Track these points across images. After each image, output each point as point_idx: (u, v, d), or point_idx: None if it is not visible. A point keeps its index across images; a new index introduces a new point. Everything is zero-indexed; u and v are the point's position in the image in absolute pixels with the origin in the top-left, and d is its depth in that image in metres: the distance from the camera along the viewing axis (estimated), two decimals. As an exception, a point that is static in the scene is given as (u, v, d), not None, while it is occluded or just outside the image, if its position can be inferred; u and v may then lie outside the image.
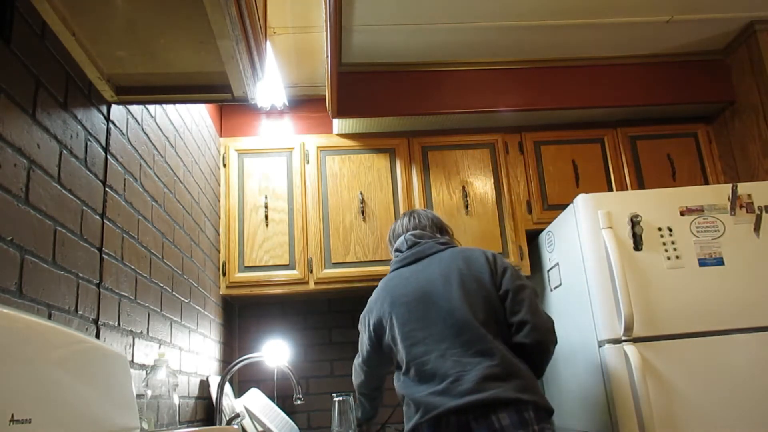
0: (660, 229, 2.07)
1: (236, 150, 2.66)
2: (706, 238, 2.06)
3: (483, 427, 1.45)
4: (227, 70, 1.29)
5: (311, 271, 2.52)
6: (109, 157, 1.36)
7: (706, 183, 2.71)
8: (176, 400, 1.69)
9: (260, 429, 2.12)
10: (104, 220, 1.31)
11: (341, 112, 2.59)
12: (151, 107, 1.68)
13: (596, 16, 2.42)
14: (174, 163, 1.88)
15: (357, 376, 1.97)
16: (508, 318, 1.65)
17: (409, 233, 1.87)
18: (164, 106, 1.81)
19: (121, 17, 1.15)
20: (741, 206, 2.09)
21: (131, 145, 1.51)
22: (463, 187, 2.67)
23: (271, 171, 2.65)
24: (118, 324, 1.35)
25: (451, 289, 1.66)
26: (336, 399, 2.15)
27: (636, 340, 1.93)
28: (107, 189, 1.34)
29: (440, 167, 2.70)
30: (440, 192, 2.66)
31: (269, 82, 2.45)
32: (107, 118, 1.37)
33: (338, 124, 2.68)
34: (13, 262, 0.95)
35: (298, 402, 1.97)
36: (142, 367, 1.46)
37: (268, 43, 1.69)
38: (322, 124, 2.79)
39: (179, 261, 1.87)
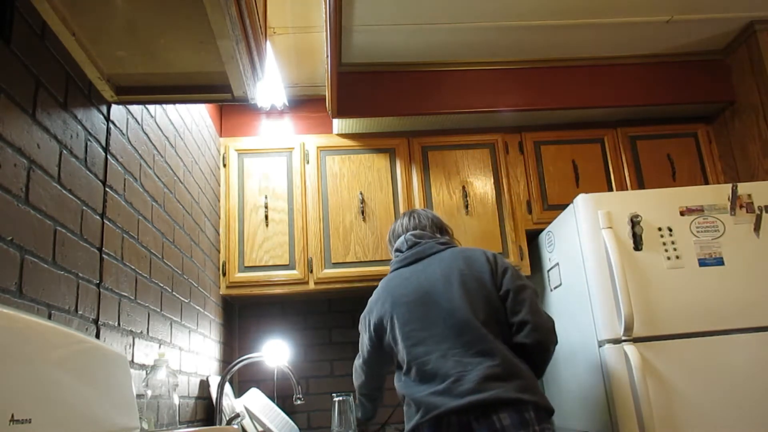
0: (660, 229, 2.07)
1: (236, 150, 2.66)
2: (706, 238, 2.06)
3: (484, 427, 1.45)
4: (227, 70, 1.29)
5: (311, 271, 2.52)
6: (109, 157, 1.36)
7: (706, 183, 2.71)
8: (176, 400, 1.69)
9: (260, 429, 2.12)
10: (104, 220, 1.31)
11: (341, 112, 2.59)
12: (151, 107, 1.68)
13: (596, 16, 2.42)
14: (174, 163, 1.88)
15: (357, 377, 1.97)
16: (508, 318, 1.65)
17: (409, 233, 1.87)
18: (164, 106, 1.81)
19: (121, 17, 1.15)
20: (741, 206, 2.09)
21: (131, 145, 1.51)
22: (463, 187, 2.67)
23: (271, 171, 2.65)
24: (118, 324, 1.35)
25: (451, 289, 1.66)
26: (336, 399, 2.15)
27: (636, 340, 1.93)
28: (107, 189, 1.34)
29: (440, 167, 2.70)
30: (440, 192, 2.66)
31: (269, 82, 2.45)
32: (107, 118, 1.37)
33: (338, 124, 2.68)
34: (13, 262, 0.95)
35: (298, 402, 1.97)
36: (142, 367, 1.46)
37: (268, 43, 1.69)
38: (322, 124, 2.79)
39: (179, 261, 1.87)
